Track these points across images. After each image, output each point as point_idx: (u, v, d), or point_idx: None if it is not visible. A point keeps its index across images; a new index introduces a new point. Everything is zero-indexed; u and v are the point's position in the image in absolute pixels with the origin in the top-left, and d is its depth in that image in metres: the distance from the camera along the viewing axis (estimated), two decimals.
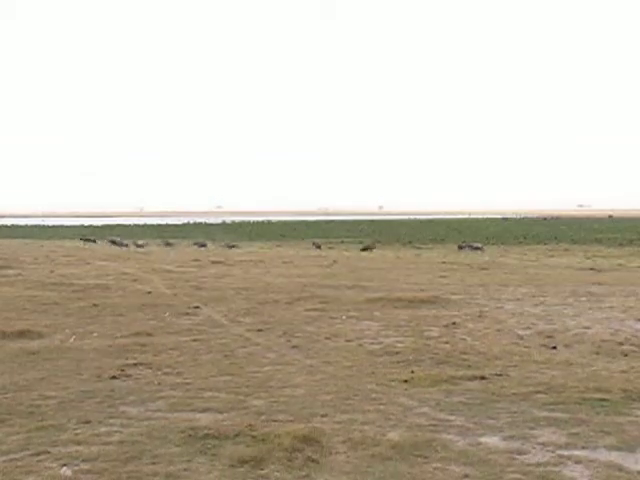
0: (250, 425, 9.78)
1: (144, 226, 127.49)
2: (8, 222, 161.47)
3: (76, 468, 8.16)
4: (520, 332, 17.82)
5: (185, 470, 8.21)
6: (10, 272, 34.83)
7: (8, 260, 42.40)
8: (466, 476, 8.14)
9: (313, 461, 8.52)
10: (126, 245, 61.08)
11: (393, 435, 9.53)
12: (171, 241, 65.72)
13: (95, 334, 17.71)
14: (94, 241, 68.03)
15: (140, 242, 66.28)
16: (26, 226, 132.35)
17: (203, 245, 59.33)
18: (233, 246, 59.47)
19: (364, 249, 54.02)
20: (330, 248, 59.64)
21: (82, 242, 68.41)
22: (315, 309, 22.10)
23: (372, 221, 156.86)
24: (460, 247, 53.51)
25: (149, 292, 26.71)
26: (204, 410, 10.89)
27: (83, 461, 8.47)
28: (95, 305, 22.82)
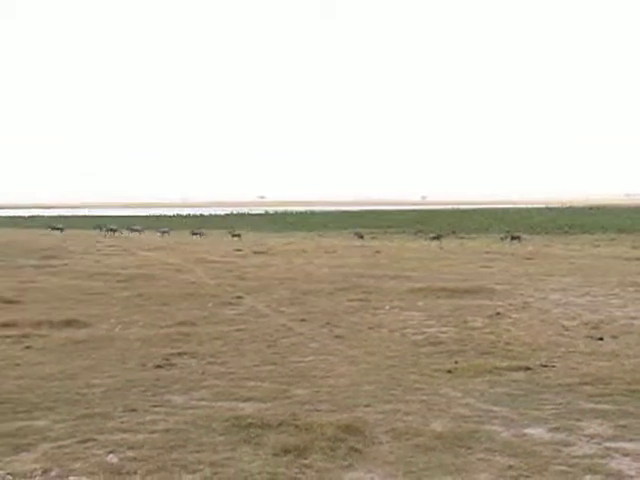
0: (293, 414, 9.81)
1: (187, 217, 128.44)
2: (54, 213, 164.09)
3: (122, 455, 8.27)
4: (565, 323, 17.56)
5: (229, 459, 8.26)
6: (57, 262, 35.45)
7: (55, 250, 43.15)
8: (510, 467, 8.05)
9: (356, 451, 8.51)
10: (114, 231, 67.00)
11: (436, 426, 9.48)
12: (204, 231, 65.97)
13: (140, 323, 17.92)
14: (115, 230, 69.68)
15: (136, 227, 70.52)
16: (73, 216, 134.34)
17: (237, 235, 59.51)
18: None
19: (434, 238, 53.16)
20: (373, 238, 59.46)
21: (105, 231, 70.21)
22: (358, 299, 22.07)
23: (415, 211, 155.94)
24: (505, 237, 52.89)
25: (193, 282, 26.95)
26: (247, 399, 10.95)
27: (129, 448, 8.58)
28: (140, 295, 23.09)
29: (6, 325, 17.29)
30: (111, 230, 69.00)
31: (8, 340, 15.78)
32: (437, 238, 53.41)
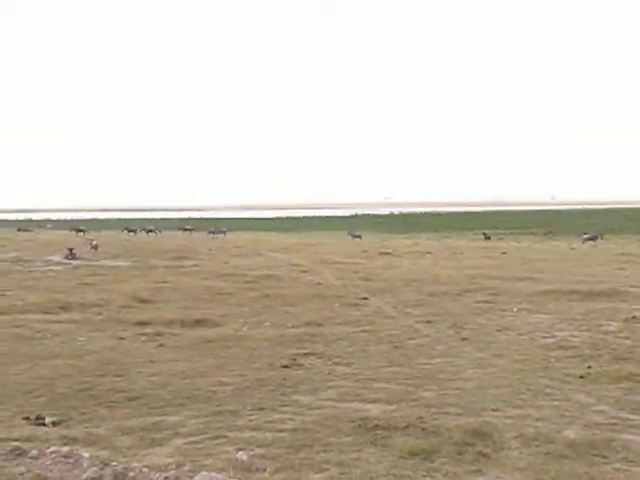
0: (420, 417, 9.71)
1: (312, 218, 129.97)
2: (185, 215, 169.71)
3: (251, 453, 8.42)
4: None
5: (356, 460, 8.26)
6: (188, 263, 36.64)
7: (185, 251, 44.61)
8: None
9: (484, 456, 8.33)
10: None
11: (569, 433, 9.15)
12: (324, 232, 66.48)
13: (267, 324, 18.25)
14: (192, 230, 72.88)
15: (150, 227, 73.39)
16: (200, 218, 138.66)
17: (358, 236, 59.57)
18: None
19: (589, 239, 50.96)
20: (500, 239, 58.25)
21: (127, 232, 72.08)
22: (485, 301, 21.67)
23: (544, 211, 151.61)
24: None
25: (319, 283, 27.20)
26: (374, 401, 10.93)
27: (258, 446, 8.74)
28: (267, 295, 23.51)
29: (141, 323, 18.03)
30: (221, 232, 70.55)
31: (143, 338, 16.44)
32: (592, 239, 51.02)
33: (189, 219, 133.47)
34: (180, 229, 78.57)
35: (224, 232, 69.17)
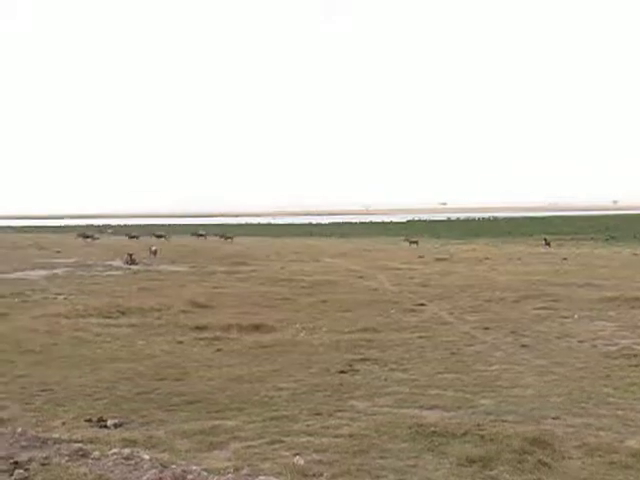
0: (478, 425, 9.61)
1: (369, 224, 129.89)
2: (242, 221, 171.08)
3: (308, 458, 8.43)
4: None
5: (413, 466, 8.21)
6: (245, 269, 36.95)
7: (243, 257, 44.99)
8: None
9: (544, 465, 8.18)
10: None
11: (633, 443, 8.94)
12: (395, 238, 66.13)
13: (324, 329, 18.27)
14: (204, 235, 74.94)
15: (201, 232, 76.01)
16: (258, 224, 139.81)
17: (414, 242, 59.15)
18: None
19: None
20: (560, 245, 57.28)
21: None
22: (544, 307, 21.33)
23: (606, 216, 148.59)
24: None
25: (375, 289, 27.16)
26: (431, 407, 10.87)
27: (314, 451, 8.75)
28: (323, 301, 23.56)
29: (199, 328, 18.24)
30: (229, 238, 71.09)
31: (201, 342, 16.62)
32: None
33: (246, 225, 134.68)
34: (194, 234, 79.87)
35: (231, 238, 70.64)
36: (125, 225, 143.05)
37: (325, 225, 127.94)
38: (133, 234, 75.51)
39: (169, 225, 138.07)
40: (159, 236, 70.92)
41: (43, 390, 12.13)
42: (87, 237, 69.52)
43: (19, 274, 34.19)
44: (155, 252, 45.10)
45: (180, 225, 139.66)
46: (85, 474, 7.54)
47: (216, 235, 74.75)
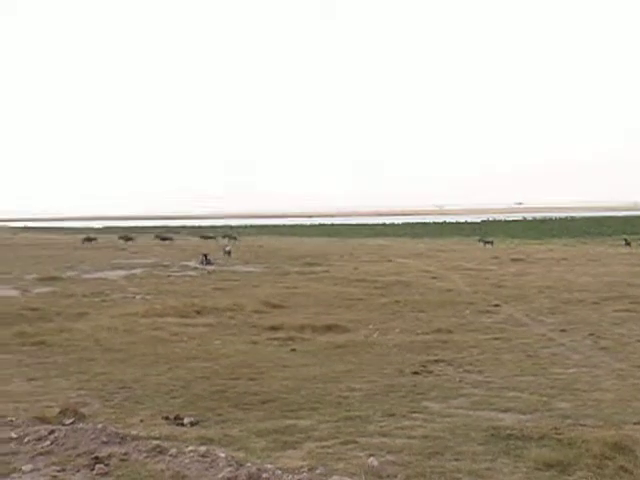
0: (555, 428, 9.40)
1: (443, 224, 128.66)
2: (315, 221, 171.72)
3: (382, 459, 8.39)
4: None
5: (488, 469, 8.08)
6: (318, 269, 37.08)
7: (317, 258, 45.16)
8: None
9: (626, 471, 7.94)
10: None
11: None
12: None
13: (397, 330, 18.19)
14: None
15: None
16: (332, 224, 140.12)
17: (489, 242, 58.28)
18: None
19: None
20: None
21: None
22: (625, 310, 20.76)
23: None
24: None
25: (449, 289, 26.90)
26: (506, 410, 10.69)
27: (388, 453, 8.70)
28: (397, 302, 23.46)
29: (274, 328, 18.39)
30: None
31: (275, 342, 16.76)
32: None
33: (319, 225, 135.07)
34: (202, 237, 79.64)
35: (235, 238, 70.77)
36: (199, 227, 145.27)
37: (398, 225, 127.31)
38: (208, 235, 76.47)
39: (249, 226, 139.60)
40: (231, 237, 71.82)
41: (122, 387, 12.43)
42: (164, 239, 70.97)
43: (99, 274, 35.15)
44: (229, 252, 45.67)
45: (253, 226, 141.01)
46: (162, 470, 7.69)
47: (225, 236, 74.14)
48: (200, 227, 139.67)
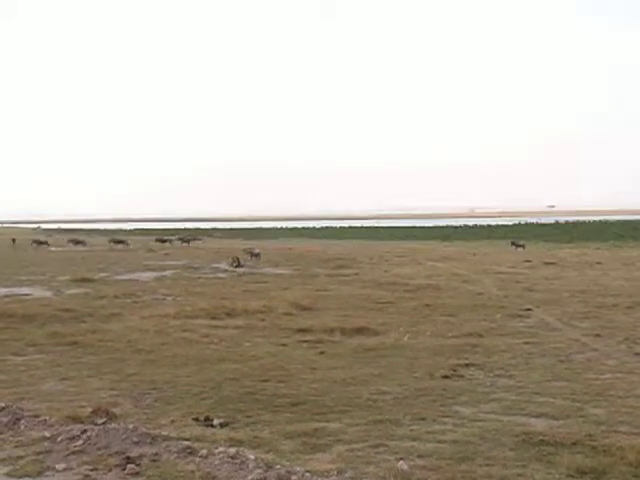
0: (589, 435, 9.27)
1: (474, 227, 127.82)
2: (345, 224, 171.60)
3: (412, 463, 8.33)
4: None
5: (519, 475, 7.98)
6: (348, 272, 37.02)
7: (346, 260, 45.14)
8: None
9: None
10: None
11: None
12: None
13: (427, 333, 18.08)
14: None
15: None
16: (361, 227, 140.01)
17: (520, 245, 57.79)
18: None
19: None
20: None
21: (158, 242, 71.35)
22: None
23: None
24: None
25: (480, 293, 26.72)
26: (538, 415, 10.57)
27: (418, 457, 8.64)
28: (427, 305, 23.34)
29: (303, 331, 18.38)
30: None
31: (305, 345, 16.75)
32: None
33: (349, 228, 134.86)
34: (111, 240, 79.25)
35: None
36: (230, 229, 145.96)
37: (428, 228, 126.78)
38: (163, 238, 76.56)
39: (279, 229, 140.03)
40: (184, 240, 72.50)
41: (153, 388, 12.51)
42: (186, 241, 71.68)
43: (131, 275, 35.44)
44: (257, 255, 45.75)
45: (284, 229, 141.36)
46: (193, 471, 7.72)
47: (180, 240, 73.72)
48: (231, 230, 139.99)
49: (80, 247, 67.39)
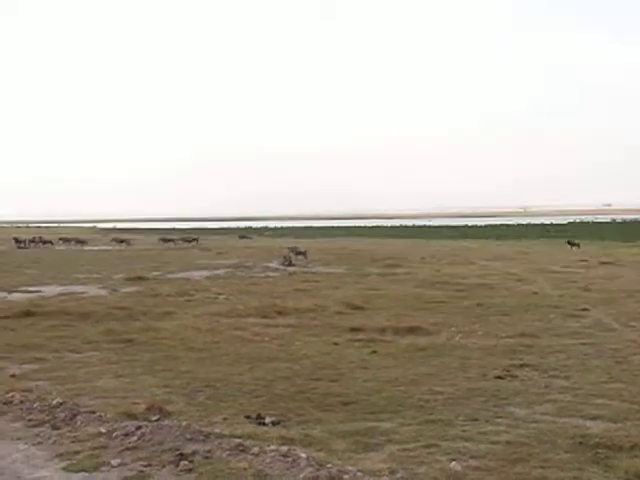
0: None
1: (527, 225, 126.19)
2: (396, 223, 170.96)
3: (465, 464, 8.24)
4: None
5: (575, 478, 7.83)
6: (400, 271, 36.87)
7: (398, 259, 44.93)
8: None
9: None
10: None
11: None
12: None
13: (480, 333, 17.90)
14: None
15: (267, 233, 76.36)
16: (413, 226, 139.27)
17: (575, 244, 56.71)
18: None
19: None
20: None
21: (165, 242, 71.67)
22: None
23: None
24: None
25: (535, 293, 26.34)
26: (595, 417, 10.36)
27: (471, 457, 8.53)
28: (479, 304, 23.11)
29: (355, 330, 18.33)
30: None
31: (356, 344, 16.71)
32: None
33: (401, 227, 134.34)
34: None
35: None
36: (281, 227, 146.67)
37: (481, 227, 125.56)
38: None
39: (332, 227, 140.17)
40: (187, 240, 72.88)
41: (206, 386, 12.62)
42: (247, 238, 72.56)
43: (184, 274, 35.86)
44: (303, 253, 45.75)
45: (333, 227, 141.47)
46: (245, 469, 7.76)
47: (184, 240, 73.70)
48: (282, 228, 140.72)
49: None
